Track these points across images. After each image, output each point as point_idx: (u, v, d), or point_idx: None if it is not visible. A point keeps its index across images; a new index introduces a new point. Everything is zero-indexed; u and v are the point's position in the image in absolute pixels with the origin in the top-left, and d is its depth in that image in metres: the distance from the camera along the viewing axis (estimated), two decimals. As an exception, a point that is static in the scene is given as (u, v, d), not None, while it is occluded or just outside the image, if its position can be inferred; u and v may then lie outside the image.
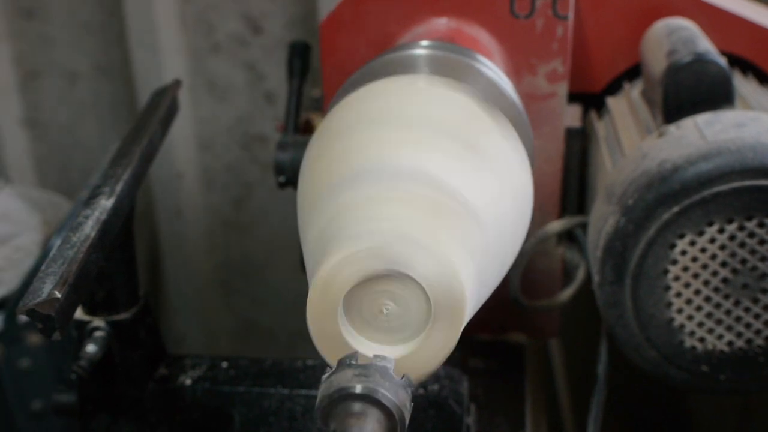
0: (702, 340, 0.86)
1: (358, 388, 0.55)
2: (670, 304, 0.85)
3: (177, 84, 1.08)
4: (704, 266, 0.83)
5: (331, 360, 0.64)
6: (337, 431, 0.55)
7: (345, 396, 0.55)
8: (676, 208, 0.82)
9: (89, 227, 0.77)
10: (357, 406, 0.55)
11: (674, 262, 0.83)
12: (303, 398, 0.92)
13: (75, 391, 0.92)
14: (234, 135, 1.86)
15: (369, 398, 0.55)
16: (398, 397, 0.56)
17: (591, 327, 1.04)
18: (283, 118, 1.19)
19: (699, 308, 0.85)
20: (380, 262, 0.61)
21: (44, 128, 1.94)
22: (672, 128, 0.87)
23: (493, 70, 0.92)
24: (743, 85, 1.01)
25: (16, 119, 1.93)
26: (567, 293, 1.10)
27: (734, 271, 0.83)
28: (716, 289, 0.84)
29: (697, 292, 0.84)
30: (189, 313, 2.00)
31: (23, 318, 0.75)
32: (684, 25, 1.01)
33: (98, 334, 0.90)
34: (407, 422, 0.56)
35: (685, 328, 0.86)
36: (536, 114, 1.03)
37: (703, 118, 0.86)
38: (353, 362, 0.57)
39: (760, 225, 0.81)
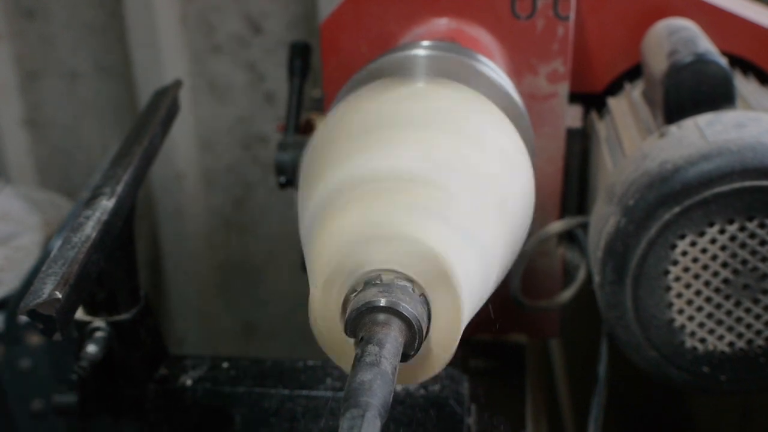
0: (703, 340, 0.86)
1: (383, 302, 0.61)
2: (670, 305, 0.85)
3: (177, 84, 1.08)
4: (705, 267, 0.83)
5: (337, 359, 0.66)
6: (365, 338, 0.60)
7: (371, 308, 0.61)
8: (676, 209, 0.82)
9: (90, 228, 0.77)
10: (381, 317, 0.61)
11: (675, 262, 0.83)
12: (304, 399, 0.92)
13: (76, 392, 0.92)
14: (234, 135, 1.86)
15: (392, 310, 0.61)
16: (417, 310, 0.62)
17: (591, 327, 1.04)
18: (284, 118, 1.19)
19: (700, 309, 0.85)
20: (370, 264, 0.63)
21: (45, 128, 1.94)
22: (673, 129, 0.87)
23: (494, 70, 0.92)
24: (744, 86, 1.00)
25: (17, 119, 1.93)
26: (567, 293, 1.10)
27: (735, 271, 0.83)
28: (717, 290, 0.84)
29: (698, 292, 0.84)
30: (189, 313, 2.00)
31: (24, 318, 0.75)
32: (685, 25, 1.01)
33: (99, 334, 0.90)
34: (425, 333, 0.63)
35: (685, 329, 0.86)
36: (537, 114, 1.02)
37: (703, 119, 0.86)
38: (377, 282, 0.63)
39: (761, 226, 0.81)
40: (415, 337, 0.62)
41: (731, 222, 0.82)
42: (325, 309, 0.65)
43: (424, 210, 0.66)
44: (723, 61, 0.90)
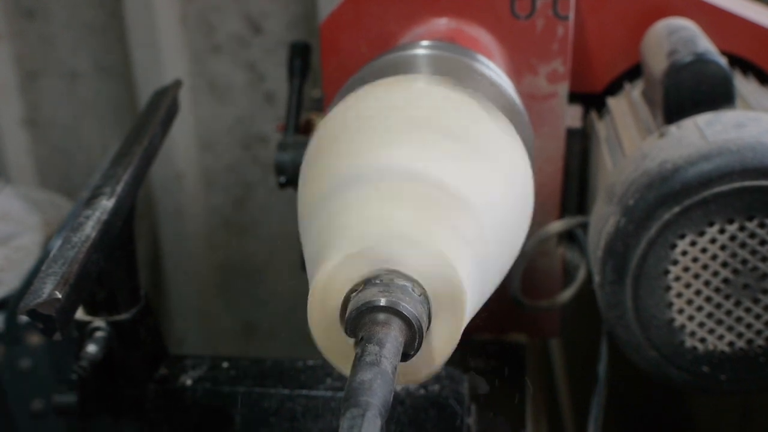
0: (703, 340, 0.86)
1: (383, 301, 0.61)
2: (670, 305, 0.85)
3: (177, 84, 1.08)
4: (705, 267, 0.83)
5: (335, 361, 0.66)
6: (364, 337, 0.60)
7: (371, 308, 0.61)
8: (676, 209, 0.82)
9: (90, 227, 0.77)
10: (381, 317, 0.61)
11: (675, 262, 0.83)
12: (304, 398, 0.92)
13: (75, 392, 0.92)
14: (234, 135, 1.86)
15: (392, 309, 0.61)
16: (417, 310, 0.62)
17: (591, 327, 1.04)
18: (284, 118, 1.19)
19: (700, 309, 0.85)
20: (372, 263, 0.63)
21: (45, 128, 1.94)
22: (672, 128, 0.87)
23: (494, 70, 0.92)
24: (744, 85, 1.01)
25: (17, 119, 1.93)
26: (567, 293, 1.10)
27: (735, 271, 0.83)
28: (717, 290, 0.84)
29: (698, 292, 0.84)
30: (189, 313, 2.00)
31: (24, 318, 0.75)
32: (684, 25, 1.01)
33: (99, 334, 0.90)
34: (424, 332, 0.62)
35: (685, 329, 0.86)
36: (537, 114, 1.02)
37: (703, 119, 0.86)
38: (377, 282, 0.63)
39: (761, 225, 0.81)
40: (415, 337, 0.62)
41: (731, 222, 0.82)
42: (322, 311, 0.64)
43: (432, 213, 0.66)
44: (723, 61, 0.90)
